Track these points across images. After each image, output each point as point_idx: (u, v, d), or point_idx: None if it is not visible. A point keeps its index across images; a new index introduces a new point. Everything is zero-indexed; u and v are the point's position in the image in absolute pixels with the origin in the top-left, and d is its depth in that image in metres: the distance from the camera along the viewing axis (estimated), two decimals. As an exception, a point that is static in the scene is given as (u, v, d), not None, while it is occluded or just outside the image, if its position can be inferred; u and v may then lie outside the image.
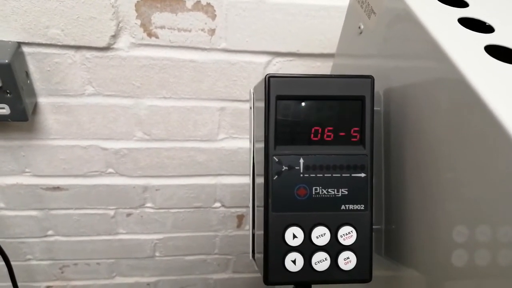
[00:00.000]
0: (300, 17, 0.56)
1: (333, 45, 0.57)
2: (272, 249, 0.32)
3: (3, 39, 0.52)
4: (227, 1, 0.53)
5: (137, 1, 0.52)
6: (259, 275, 0.33)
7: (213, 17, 0.54)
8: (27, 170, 0.66)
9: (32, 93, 0.57)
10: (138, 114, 0.62)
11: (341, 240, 0.32)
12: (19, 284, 0.67)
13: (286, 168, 0.32)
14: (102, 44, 0.55)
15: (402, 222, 0.33)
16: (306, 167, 0.32)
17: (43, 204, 0.71)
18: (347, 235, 0.32)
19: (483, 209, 0.24)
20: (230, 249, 0.85)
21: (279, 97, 0.31)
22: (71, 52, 0.55)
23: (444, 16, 0.31)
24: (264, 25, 0.56)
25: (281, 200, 0.32)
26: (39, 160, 0.65)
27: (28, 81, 0.55)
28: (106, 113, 0.62)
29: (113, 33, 0.54)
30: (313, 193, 0.32)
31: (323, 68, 0.61)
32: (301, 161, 0.32)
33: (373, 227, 0.33)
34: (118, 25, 0.53)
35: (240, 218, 0.80)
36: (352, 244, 0.32)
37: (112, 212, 0.74)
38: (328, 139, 0.32)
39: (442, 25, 0.30)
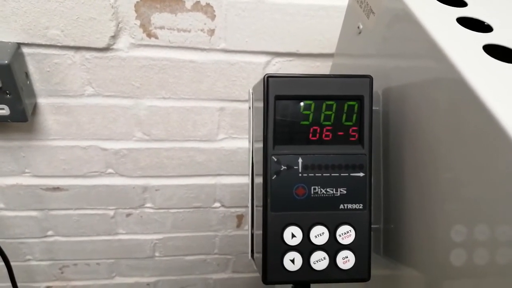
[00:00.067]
0: (299, 17, 0.56)
1: (332, 45, 0.57)
2: (271, 248, 0.32)
3: (3, 40, 0.52)
4: (227, 2, 0.53)
5: (137, 2, 0.52)
6: (259, 275, 0.33)
7: (213, 17, 0.55)
8: (27, 170, 0.66)
9: (32, 94, 0.57)
10: (138, 114, 0.62)
11: (339, 239, 0.32)
12: (19, 284, 0.67)
13: (285, 167, 0.32)
14: (102, 44, 0.55)
15: (401, 221, 0.33)
16: (305, 167, 0.32)
17: (43, 204, 0.71)
18: (346, 234, 0.32)
19: (481, 209, 0.24)
20: (230, 249, 0.85)
21: (278, 97, 0.31)
22: (70, 53, 0.55)
23: (443, 16, 0.31)
24: (264, 25, 0.56)
25: (279, 200, 0.32)
26: (39, 161, 0.65)
27: (28, 82, 0.56)
28: (105, 114, 0.62)
29: (112, 34, 0.54)
30: (312, 192, 0.32)
31: (322, 68, 0.61)
32: (300, 160, 0.32)
33: (372, 226, 0.33)
34: (118, 25, 0.53)
35: (240, 218, 0.80)
36: (351, 243, 0.32)
37: (111, 212, 0.74)
38: (327, 138, 0.32)
39: (441, 24, 0.30)
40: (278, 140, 0.32)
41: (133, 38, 0.55)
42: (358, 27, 0.40)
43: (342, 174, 0.32)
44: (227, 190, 0.74)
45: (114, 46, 0.55)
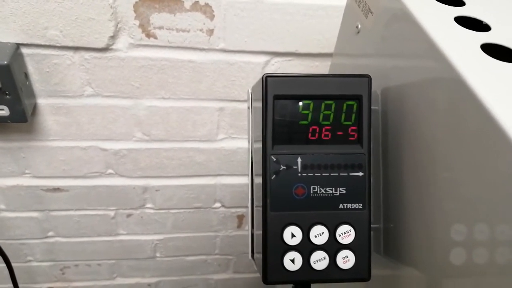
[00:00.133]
0: (298, 17, 0.56)
1: (331, 45, 0.57)
2: (271, 248, 0.32)
3: (2, 41, 0.52)
4: (225, 1, 0.53)
5: (136, 2, 0.52)
6: (259, 275, 0.33)
7: (212, 17, 0.55)
8: (27, 171, 0.66)
9: (31, 94, 0.57)
10: (137, 114, 0.62)
11: (339, 239, 0.32)
12: (20, 285, 0.67)
13: (284, 167, 0.32)
14: (101, 45, 0.55)
15: (400, 220, 0.33)
16: (304, 167, 0.32)
17: (43, 205, 0.71)
18: (346, 234, 0.32)
19: (480, 208, 0.24)
20: (231, 249, 0.85)
21: (277, 97, 0.31)
22: (69, 53, 0.55)
23: (441, 15, 0.31)
24: (262, 25, 0.56)
25: (279, 200, 0.32)
26: (39, 161, 0.65)
27: (27, 82, 0.56)
28: (105, 114, 0.62)
29: (111, 34, 0.54)
30: (311, 192, 0.32)
31: (321, 67, 0.61)
32: (299, 160, 0.32)
33: (371, 226, 0.33)
34: (117, 26, 0.54)
35: (240, 218, 0.80)
36: (351, 243, 0.32)
37: (112, 213, 0.74)
38: (326, 138, 0.32)
39: (439, 24, 0.30)
40: (277, 140, 0.32)
41: (132, 38, 0.55)
42: (357, 27, 0.40)
43: (341, 174, 0.32)
44: (227, 190, 0.74)
45: (113, 46, 0.55)
